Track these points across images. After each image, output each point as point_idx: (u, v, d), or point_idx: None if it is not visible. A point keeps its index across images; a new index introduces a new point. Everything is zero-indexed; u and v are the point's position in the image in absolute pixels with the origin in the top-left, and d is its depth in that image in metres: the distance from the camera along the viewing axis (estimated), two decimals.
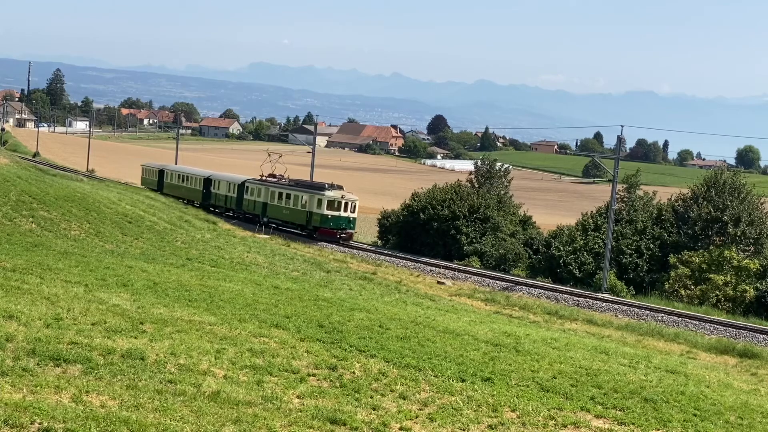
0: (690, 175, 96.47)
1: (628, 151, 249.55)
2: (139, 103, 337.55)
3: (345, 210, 56.15)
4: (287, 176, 65.10)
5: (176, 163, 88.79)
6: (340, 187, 58.24)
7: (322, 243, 55.30)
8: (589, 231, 53.62)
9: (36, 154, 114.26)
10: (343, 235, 55.77)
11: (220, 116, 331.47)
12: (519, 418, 13.61)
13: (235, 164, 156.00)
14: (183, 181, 73.17)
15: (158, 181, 76.54)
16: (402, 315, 25.78)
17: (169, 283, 25.25)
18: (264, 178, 65.07)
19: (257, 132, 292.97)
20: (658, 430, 14.24)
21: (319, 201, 55.81)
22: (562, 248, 51.06)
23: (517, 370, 17.83)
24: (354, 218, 57.22)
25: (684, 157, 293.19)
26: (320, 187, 57.00)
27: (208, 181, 69.26)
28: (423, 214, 57.24)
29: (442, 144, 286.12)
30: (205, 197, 68.69)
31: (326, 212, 55.58)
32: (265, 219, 60.07)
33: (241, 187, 64.35)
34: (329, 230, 55.58)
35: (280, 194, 59.66)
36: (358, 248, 54.72)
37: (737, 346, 31.99)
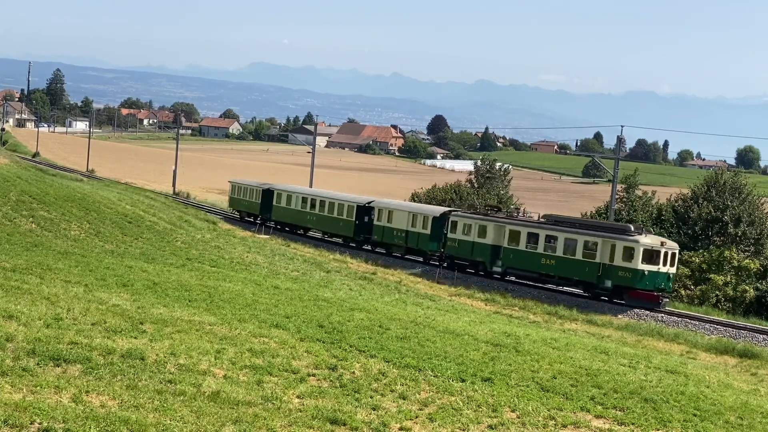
0: (690, 175, 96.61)
1: (628, 151, 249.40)
2: (139, 103, 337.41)
3: (665, 263, 40.40)
4: (523, 209, 52.36)
5: (176, 164, 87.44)
6: (649, 230, 44.90)
7: (321, 242, 55.15)
8: None
9: (36, 154, 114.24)
10: (664, 299, 40.47)
11: (220, 116, 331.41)
12: (519, 418, 13.61)
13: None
14: (312, 206, 57.45)
15: (262, 205, 62.12)
16: (402, 315, 25.78)
17: (169, 283, 25.25)
18: (482, 210, 52.02)
19: (257, 132, 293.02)
20: (658, 430, 14.24)
21: (629, 250, 39.79)
22: None
23: (517, 370, 17.83)
24: (673, 274, 42.12)
25: (684, 157, 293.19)
26: (622, 230, 41.87)
27: (364, 210, 53.97)
28: None
29: (442, 144, 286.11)
30: (360, 230, 53.77)
31: (641, 266, 39.59)
32: (500, 268, 45.47)
33: (440, 220, 49.07)
34: (645, 293, 39.87)
35: (533, 236, 43.73)
36: (358, 248, 54.67)
37: (737, 346, 31.97)
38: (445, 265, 47.78)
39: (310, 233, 59.03)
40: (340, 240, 55.56)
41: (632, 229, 41.59)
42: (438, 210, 50.87)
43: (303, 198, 58.23)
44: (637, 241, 39.88)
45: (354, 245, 53.63)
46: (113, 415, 10.61)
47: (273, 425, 11.32)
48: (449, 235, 47.65)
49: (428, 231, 48.90)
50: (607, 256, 40.60)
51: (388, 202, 54.80)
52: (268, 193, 61.86)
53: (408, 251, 50.82)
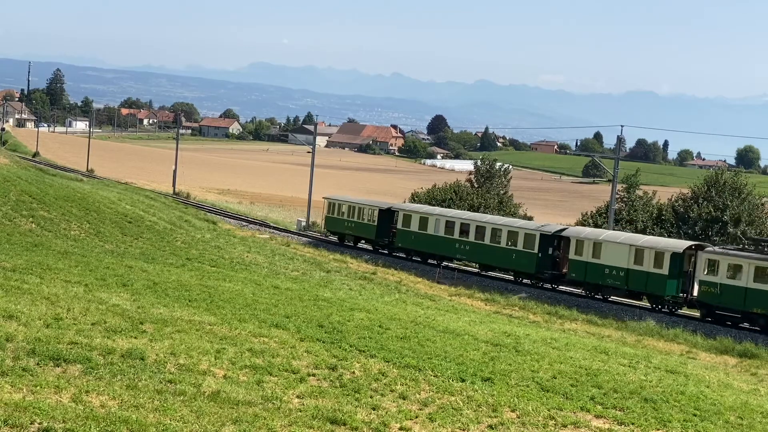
0: (690, 175, 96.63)
1: (628, 151, 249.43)
2: (139, 103, 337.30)
3: None
4: None
5: (176, 164, 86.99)
6: None
7: (321, 243, 55.05)
8: None
9: (36, 154, 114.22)
10: None
11: (220, 116, 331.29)
12: (519, 418, 13.61)
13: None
14: (462, 233, 47.05)
15: (379, 228, 52.74)
16: (402, 315, 25.78)
17: (169, 283, 25.25)
18: (748, 244, 43.26)
19: (257, 132, 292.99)
20: (658, 430, 14.24)
21: None
22: None
23: (517, 370, 17.83)
24: None
25: (684, 157, 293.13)
26: None
27: (549, 240, 43.52)
28: None
29: (442, 144, 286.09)
30: (543, 265, 43.43)
31: None
32: None
33: (679, 258, 38.46)
34: None
35: None
36: (357, 248, 54.68)
37: (737, 346, 31.96)
38: (695, 314, 38.35)
39: (446, 263, 49.07)
40: (506, 275, 46.53)
41: None
42: (678, 245, 39.44)
43: (449, 222, 48.00)
44: None
45: (531, 283, 44.47)
46: (113, 415, 10.61)
47: (273, 425, 11.32)
48: (704, 277, 36.81)
49: (664, 271, 38.10)
50: None
51: (592, 231, 43.68)
52: (387, 214, 52.65)
53: (629, 294, 40.18)
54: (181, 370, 13.56)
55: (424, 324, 24.14)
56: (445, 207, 57.25)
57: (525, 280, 44.93)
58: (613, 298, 40.88)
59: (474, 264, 48.45)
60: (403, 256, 50.81)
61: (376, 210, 53.10)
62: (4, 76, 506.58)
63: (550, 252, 43.38)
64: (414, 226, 49.62)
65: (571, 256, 41.75)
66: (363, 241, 54.73)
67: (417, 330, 22.17)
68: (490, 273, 46.93)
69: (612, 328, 35.43)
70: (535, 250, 43.21)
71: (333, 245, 54.86)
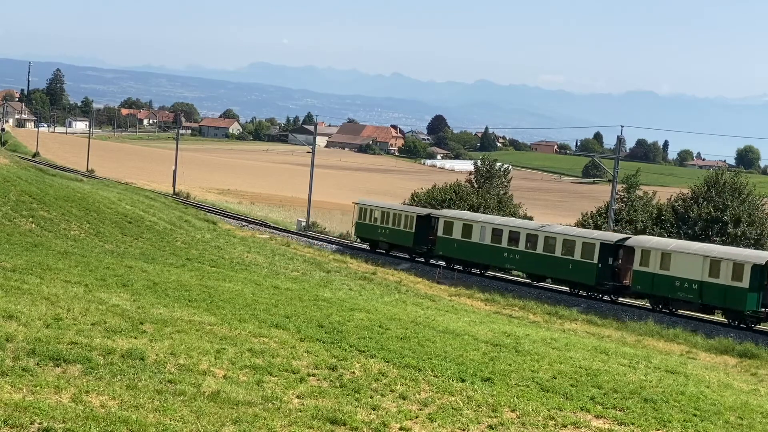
0: (690, 175, 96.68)
1: (628, 151, 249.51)
2: (139, 103, 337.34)
3: None
4: None
5: (176, 164, 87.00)
6: None
7: (321, 243, 55.08)
8: None
9: (36, 154, 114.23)
10: None
11: (220, 116, 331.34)
12: (519, 418, 13.61)
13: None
14: (511, 241, 44.56)
15: (416, 235, 50.15)
16: (402, 315, 25.78)
17: (169, 283, 25.25)
18: None
19: (257, 132, 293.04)
20: (658, 430, 14.24)
21: None
22: None
23: (517, 370, 17.83)
24: None
25: (684, 157, 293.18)
26: None
27: (612, 251, 41.05)
28: None
29: (442, 144, 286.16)
30: (603, 276, 40.83)
31: None
32: None
33: (759, 269, 35.45)
34: None
35: None
36: (358, 248, 54.68)
37: (737, 346, 31.97)
38: None
39: (493, 273, 47.28)
40: (560, 286, 44.05)
41: None
42: (760, 256, 36.41)
43: (496, 229, 45.39)
44: None
45: (589, 295, 41.70)
46: (113, 415, 10.61)
47: (273, 425, 11.32)
48: None
49: (744, 284, 35.24)
50: None
51: (660, 241, 40.97)
52: (425, 221, 50.24)
53: (703, 309, 37.55)
54: (181, 370, 13.56)
55: (424, 324, 24.14)
56: (445, 207, 57.23)
57: (582, 292, 42.18)
58: (683, 311, 38.66)
59: (521, 274, 46.40)
60: (443, 264, 48.46)
61: (413, 216, 50.49)
62: (4, 76, 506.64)
63: (610, 262, 41.10)
64: (456, 234, 47.09)
65: (636, 266, 39.18)
66: (397, 249, 51.94)
67: (417, 330, 22.17)
68: (543, 284, 44.63)
69: (612, 328, 35.43)
70: (595, 260, 40.60)
71: (333, 245, 54.76)
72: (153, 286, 24.15)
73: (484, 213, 56.91)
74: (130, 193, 62.80)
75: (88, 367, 12.82)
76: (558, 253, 42.27)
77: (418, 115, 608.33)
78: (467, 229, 46.65)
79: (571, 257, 41.73)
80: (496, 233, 45.22)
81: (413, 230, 49.93)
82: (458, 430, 12.60)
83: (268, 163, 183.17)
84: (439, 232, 48.34)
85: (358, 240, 55.73)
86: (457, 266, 47.45)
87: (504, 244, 44.75)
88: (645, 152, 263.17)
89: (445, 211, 51.44)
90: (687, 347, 32.14)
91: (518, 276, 47.38)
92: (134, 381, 12.42)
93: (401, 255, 51.81)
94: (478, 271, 47.10)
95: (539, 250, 43.11)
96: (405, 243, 50.88)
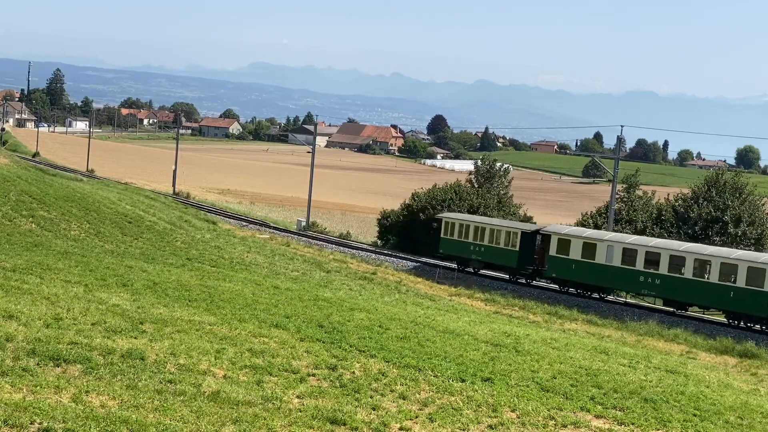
0: (690, 175, 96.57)
1: (628, 151, 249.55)
2: (139, 103, 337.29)
3: None
4: None
5: (176, 164, 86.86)
6: None
7: (321, 243, 55.09)
8: None
9: (36, 154, 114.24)
10: None
11: (220, 116, 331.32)
12: (519, 418, 13.60)
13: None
14: (648, 263, 39.56)
15: (521, 255, 45.34)
16: (402, 315, 25.78)
17: (169, 283, 25.25)
18: None
19: (257, 132, 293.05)
20: (658, 430, 14.24)
21: None
22: None
23: (517, 370, 17.82)
24: None
25: (684, 157, 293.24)
26: None
27: None
28: (423, 214, 57.19)
29: (442, 144, 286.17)
30: None
31: None
32: None
33: None
34: None
35: None
36: (358, 248, 54.67)
37: (737, 347, 31.99)
38: None
39: (613, 296, 43.44)
40: (713, 315, 39.96)
41: None
42: None
43: (627, 249, 40.34)
44: None
45: (762, 329, 36.45)
46: (113, 415, 10.61)
47: (273, 425, 11.32)
48: None
49: None
50: None
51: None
52: (529, 238, 45.56)
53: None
54: (181, 370, 13.55)
55: (424, 324, 24.13)
56: (446, 207, 57.14)
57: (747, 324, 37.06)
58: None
59: (657, 300, 41.04)
60: (555, 287, 44.18)
61: (518, 233, 45.52)
62: (4, 76, 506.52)
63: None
64: (575, 254, 42.12)
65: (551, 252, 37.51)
66: (494, 269, 47.18)
67: (417, 330, 22.16)
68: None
69: (612, 328, 35.44)
70: (766, 288, 35.58)
71: (333, 245, 54.71)
72: (153, 286, 24.14)
73: (484, 213, 56.93)
74: (130, 193, 62.80)
75: (88, 367, 12.82)
76: (714, 279, 37.34)
77: (418, 115, 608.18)
78: (589, 248, 41.87)
79: (731, 284, 36.89)
80: (628, 254, 40.29)
81: (517, 248, 45.26)
82: (458, 430, 12.60)
83: (268, 163, 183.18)
84: (552, 251, 43.39)
85: (443, 255, 50.08)
86: (571, 289, 43.27)
87: (639, 266, 39.75)
88: (645, 152, 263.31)
89: (559, 228, 46.07)
90: (687, 347, 32.16)
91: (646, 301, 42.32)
92: (134, 381, 12.42)
93: (498, 275, 47.00)
94: (598, 295, 42.48)
95: (688, 274, 38.31)
96: (507, 263, 46.07)
